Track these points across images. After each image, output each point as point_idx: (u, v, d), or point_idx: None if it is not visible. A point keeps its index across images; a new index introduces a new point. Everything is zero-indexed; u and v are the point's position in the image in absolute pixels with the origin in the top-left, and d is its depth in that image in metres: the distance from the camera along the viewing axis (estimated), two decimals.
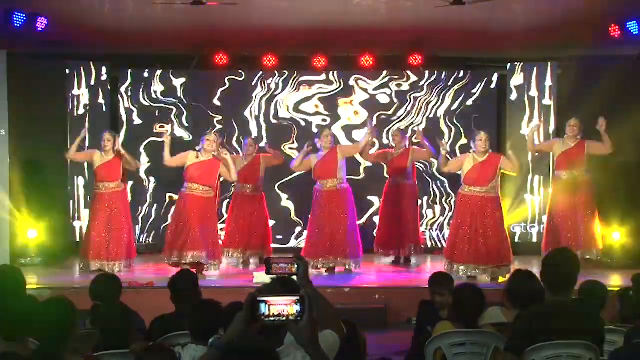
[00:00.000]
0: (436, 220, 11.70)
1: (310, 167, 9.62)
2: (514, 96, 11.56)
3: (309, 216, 9.79)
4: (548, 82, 11.44)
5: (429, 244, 11.47)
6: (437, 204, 11.69)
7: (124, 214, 9.64)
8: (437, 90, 11.69)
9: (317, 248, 9.39)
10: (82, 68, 11.41)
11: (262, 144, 10.69)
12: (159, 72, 11.68)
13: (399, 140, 10.35)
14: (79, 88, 11.40)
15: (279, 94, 11.73)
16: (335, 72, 11.69)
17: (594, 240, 9.53)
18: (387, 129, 11.64)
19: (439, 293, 5.58)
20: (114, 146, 9.51)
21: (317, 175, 9.55)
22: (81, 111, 11.41)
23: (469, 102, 11.66)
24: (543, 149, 10.32)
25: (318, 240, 9.41)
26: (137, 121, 11.70)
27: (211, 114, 11.68)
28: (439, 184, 11.65)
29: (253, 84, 11.71)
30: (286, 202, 11.69)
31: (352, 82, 11.73)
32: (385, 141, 11.52)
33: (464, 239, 8.91)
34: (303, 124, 11.74)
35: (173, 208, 9.84)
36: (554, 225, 9.59)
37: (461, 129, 11.62)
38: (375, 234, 10.68)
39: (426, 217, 11.58)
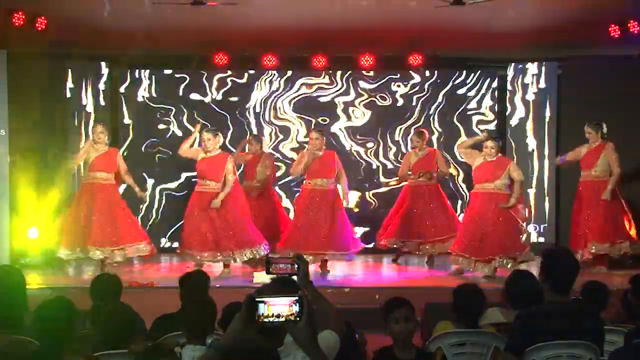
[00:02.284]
0: None
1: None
2: (513, 96, 11.56)
3: None
4: (548, 82, 11.44)
5: None
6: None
7: (119, 204, 9.64)
8: (437, 91, 11.69)
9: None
10: (82, 68, 11.41)
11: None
12: (159, 72, 11.69)
13: (422, 142, 10.23)
14: (78, 88, 11.40)
15: (279, 94, 11.74)
16: (336, 72, 11.70)
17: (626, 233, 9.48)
18: (384, 128, 11.68)
19: (395, 319, 4.46)
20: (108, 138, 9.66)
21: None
22: (81, 111, 11.41)
23: (469, 102, 11.67)
24: (572, 159, 9.90)
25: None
26: (137, 121, 11.70)
27: (211, 114, 11.69)
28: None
29: (253, 84, 11.72)
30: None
31: (352, 82, 11.73)
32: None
33: (476, 234, 9.00)
34: (303, 124, 11.74)
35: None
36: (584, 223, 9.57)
37: (461, 129, 11.63)
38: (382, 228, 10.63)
39: None
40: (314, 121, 11.71)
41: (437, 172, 10.12)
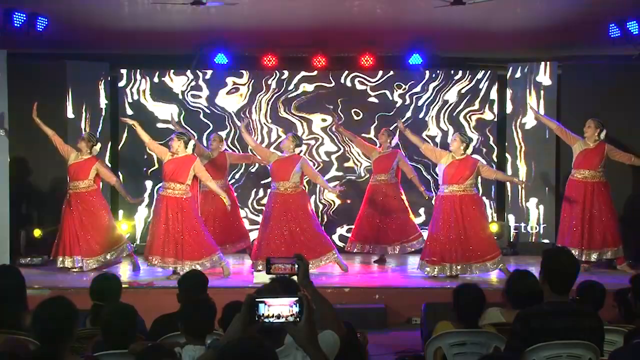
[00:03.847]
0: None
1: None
2: (513, 96, 11.56)
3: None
4: (548, 82, 11.44)
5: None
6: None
7: (97, 212, 9.64)
8: (437, 91, 11.69)
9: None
10: (81, 68, 11.42)
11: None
12: (158, 72, 11.69)
13: (385, 139, 10.33)
14: (79, 88, 11.40)
15: (279, 94, 11.74)
16: (336, 72, 11.70)
17: (611, 239, 9.49)
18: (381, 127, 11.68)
19: None
20: (91, 149, 9.68)
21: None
22: (81, 111, 11.41)
23: (469, 102, 11.66)
24: (566, 138, 9.75)
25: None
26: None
27: (211, 114, 11.70)
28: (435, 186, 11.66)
29: (253, 84, 11.72)
30: None
31: (352, 82, 11.73)
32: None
33: (446, 239, 8.96)
34: (303, 124, 11.74)
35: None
36: (571, 224, 9.56)
37: (465, 128, 11.61)
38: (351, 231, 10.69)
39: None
40: (313, 121, 11.72)
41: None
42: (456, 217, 8.98)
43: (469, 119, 11.66)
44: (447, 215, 9.02)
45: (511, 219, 11.51)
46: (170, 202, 9.07)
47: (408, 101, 11.70)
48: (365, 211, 10.33)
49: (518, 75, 11.53)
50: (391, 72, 11.69)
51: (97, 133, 11.05)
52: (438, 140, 11.62)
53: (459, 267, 8.99)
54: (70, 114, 11.33)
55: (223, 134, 11.64)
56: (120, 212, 11.55)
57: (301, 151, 9.75)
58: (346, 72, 11.70)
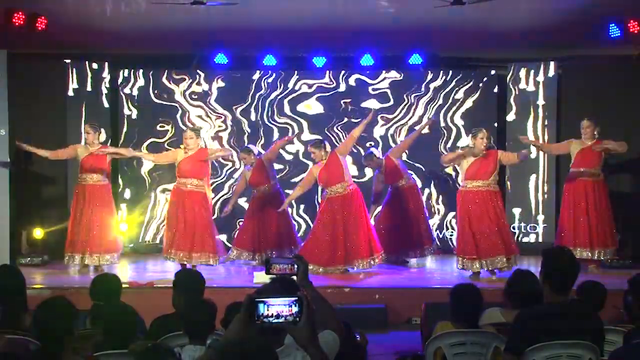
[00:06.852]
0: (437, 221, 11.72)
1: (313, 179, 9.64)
2: (513, 96, 11.56)
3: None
4: (548, 82, 11.43)
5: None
6: (437, 204, 11.71)
7: (108, 208, 9.65)
8: (437, 90, 11.69)
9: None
10: (82, 68, 11.42)
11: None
12: (158, 72, 11.69)
13: (375, 164, 10.29)
14: (78, 88, 11.40)
15: (279, 94, 11.73)
16: (336, 72, 11.69)
17: (609, 239, 9.50)
18: (382, 126, 11.68)
19: None
20: (98, 138, 9.67)
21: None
22: (81, 111, 11.41)
23: (469, 102, 11.66)
24: (561, 150, 9.98)
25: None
26: (138, 121, 11.70)
27: (211, 114, 11.70)
28: (438, 184, 11.66)
29: (252, 83, 11.71)
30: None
31: (352, 82, 11.73)
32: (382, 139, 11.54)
33: (472, 234, 8.93)
34: (302, 124, 11.74)
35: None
36: (570, 223, 9.57)
37: (462, 129, 11.62)
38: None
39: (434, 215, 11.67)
40: (306, 125, 11.72)
41: None
42: (488, 212, 8.94)
43: (468, 119, 11.65)
44: (470, 211, 8.97)
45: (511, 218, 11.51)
46: (187, 196, 9.35)
47: (408, 101, 11.69)
48: (386, 221, 10.25)
49: (518, 75, 11.52)
50: (391, 72, 11.68)
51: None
52: (440, 140, 11.62)
53: (497, 261, 8.92)
54: (70, 114, 11.32)
55: (224, 134, 11.68)
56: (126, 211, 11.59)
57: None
58: (346, 72, 11.68)
